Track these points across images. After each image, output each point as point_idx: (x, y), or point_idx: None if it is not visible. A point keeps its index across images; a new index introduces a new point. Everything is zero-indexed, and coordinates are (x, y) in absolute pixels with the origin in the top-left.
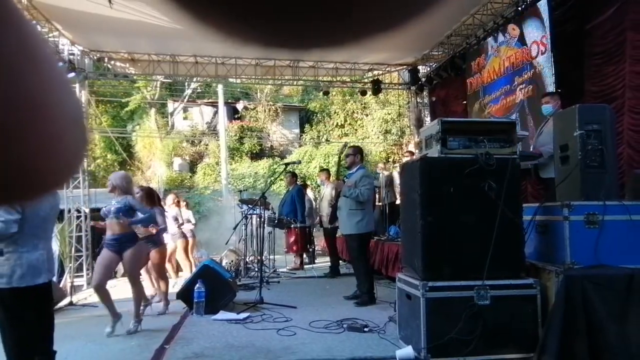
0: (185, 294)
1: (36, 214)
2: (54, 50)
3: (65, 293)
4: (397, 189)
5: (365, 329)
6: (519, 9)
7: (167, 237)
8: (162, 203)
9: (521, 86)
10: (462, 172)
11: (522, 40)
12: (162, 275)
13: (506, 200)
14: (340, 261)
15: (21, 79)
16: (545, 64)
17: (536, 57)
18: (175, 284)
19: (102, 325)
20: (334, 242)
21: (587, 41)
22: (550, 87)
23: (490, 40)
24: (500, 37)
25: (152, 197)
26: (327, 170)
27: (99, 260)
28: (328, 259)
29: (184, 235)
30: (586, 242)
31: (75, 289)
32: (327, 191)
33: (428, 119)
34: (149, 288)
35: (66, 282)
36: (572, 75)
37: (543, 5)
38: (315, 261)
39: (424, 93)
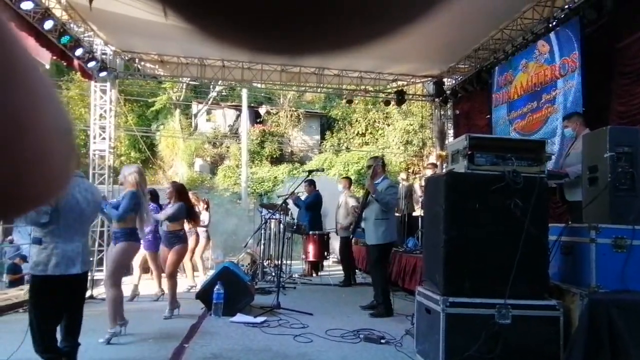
0: (204, 295)
1: (72, 209)
2: (39, 63)
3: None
4: (416, 200)
5: (382, 341)
6: (550, 25)
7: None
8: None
9: (548, 104)
10: (488, 189)
11: (551, 57)
12: (172, 275)
13: (532, 220)
14: (358, 271)
15: (6, 92)
16: (574, 82)
17: (565, 74)
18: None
19: None
20: (348, 251)
21: (617, 60)
22: (578, 106)
23: (518, 56)
24: (529, 53)
25: (180, 193)
26: (349, 179)
27: None
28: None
29: (196, 235)
30: (613, 266)
31: (95, 282)
32: (344, 200)
33: (451, 131)
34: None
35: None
36: (598, 95)
37: (574, 23)
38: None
39: (448, 106)
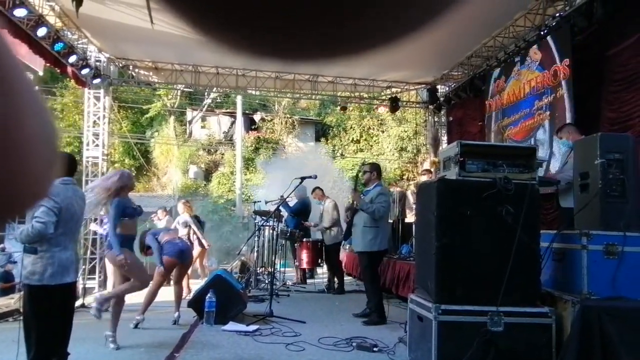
0: (196, 303)
1: (70, 217)
2: (28, 69)
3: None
4: (409, 207)
5: (375, 349)
6: (541, 33)
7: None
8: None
9: (540, 111)
10: (480, 196)
11: (543, 64)
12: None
13: (524, 227)
14: (351, 278)
15: None
16: (566, 88)
17: (557, 81)
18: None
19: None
20: (335, 257)
21: (607, 67)
22: (569, 113)
23: (510, 63)
24: (522, 60)
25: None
26: (320, 188)
27: None
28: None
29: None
30: (604, 273)
31: (87, 291)
32: (327, 206)
33: (445, 138)
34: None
35: (78, 283)
36: (589, 101)
37: (565, 31)
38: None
39: (442, 112)
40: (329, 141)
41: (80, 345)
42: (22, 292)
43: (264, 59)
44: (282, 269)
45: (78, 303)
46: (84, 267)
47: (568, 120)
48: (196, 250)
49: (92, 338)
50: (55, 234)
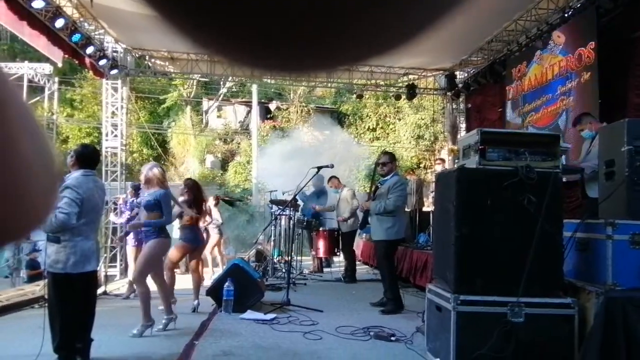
0: (214, 292)
1: (91, 207)
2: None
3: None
4: (426, 195)
5: (392, 338)
6: (565, 15)
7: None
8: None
9: (564, 96)
10: (501, 185)
11: (567, 48)
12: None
13: (546, 216)
14: (367, 267)
15: None
16: (590, 73)
17: (582, 65)
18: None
19: (134, 317)
20: (349, 246)
21: (633, 50)
22: (594, 98)
23: (532, 47)
24: (544, 44)
25: (193, 189)
26: (336, 177)
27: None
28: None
29: (206, 232)
30: (630, 263)
31: (108, 278)
32: (344, 195)
33: (463, 125)
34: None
35: (100, 271)
36: (616, 86)
37: (590, 13)
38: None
39: (460, 99)
40: (344, 130)
41: (103, 332)
42: (46, 280)
43: (276, 70)
44: (298, 258)
45: (100, 290)
46: (105, 255)
47: (592, 107)
48: (214, 239)
49: (115, 325)
50: (78, 224)
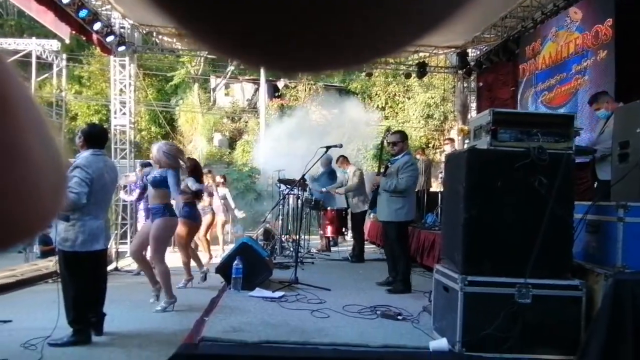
0: (223, 269)
1: (100, 187)
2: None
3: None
4: (435, 176)
5: (399, 317)
6: None
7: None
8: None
9: (578, 75)
10: (512, 166)
11: (584, 24)
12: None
13: (557, 198)
14: (374, 246)
15: None
16: (607, 51)
17: (598, 43)
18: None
19: (145, 292)
20: (360, 226)
21: None
22: (610, 77)
23: (548, 24)
24: (560, 21)
25: (195, 171)
26: (344, 156)
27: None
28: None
29: (212, 212)
30: None
31: (119, 255)
32: (351, 174)
33: (474, 104)
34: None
35: (111, 248)
36: (633, 65)
37: None
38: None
39: (472, 78)
40: (353, 108)
41: (115, 307)
42: (58, 256)
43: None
44: (306, 237)
45: (111, 267)
46: (115, 232)
47: (608, 87)
48: (221, 218)
49: (126, 300)
50: (87, 204)
